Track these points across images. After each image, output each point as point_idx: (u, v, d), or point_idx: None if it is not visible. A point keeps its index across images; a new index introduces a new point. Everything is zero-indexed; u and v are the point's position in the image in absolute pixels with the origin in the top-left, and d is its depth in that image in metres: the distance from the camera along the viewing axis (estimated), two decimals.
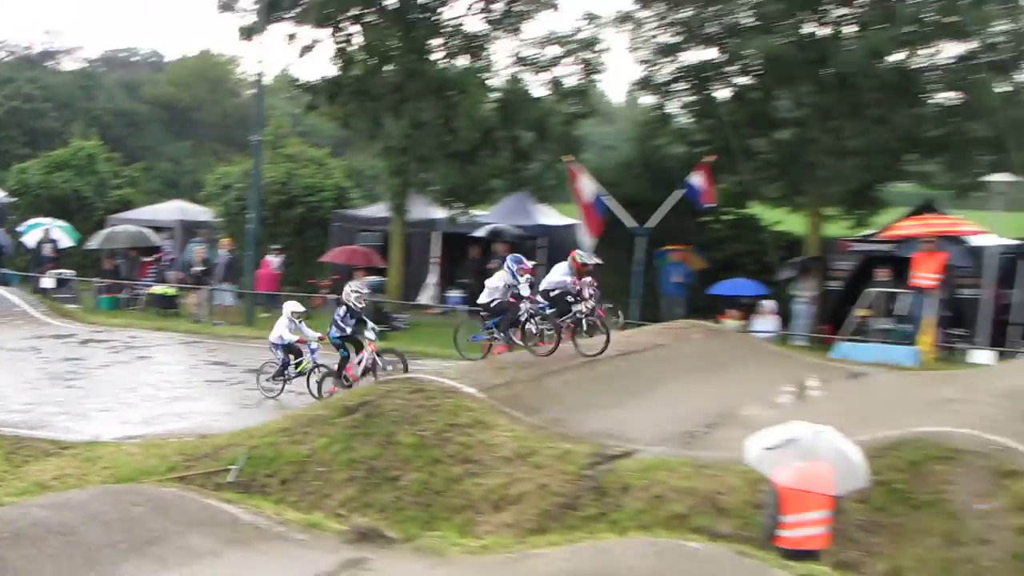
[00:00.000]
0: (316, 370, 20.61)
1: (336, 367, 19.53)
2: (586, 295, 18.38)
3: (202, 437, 16.95)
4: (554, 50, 34.60)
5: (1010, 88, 31.44)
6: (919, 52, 31.43)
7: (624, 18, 33.68)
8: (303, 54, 34.69)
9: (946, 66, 31.76)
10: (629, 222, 30.82)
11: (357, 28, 34.32)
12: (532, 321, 18.82)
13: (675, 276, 31.64)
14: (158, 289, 31.93)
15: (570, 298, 18.51)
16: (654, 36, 33.70)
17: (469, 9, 34.48)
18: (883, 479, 13.27)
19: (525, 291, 18.59)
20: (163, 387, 21.60)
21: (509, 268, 18.90)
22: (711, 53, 33.58)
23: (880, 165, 32.30)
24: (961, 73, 31.59)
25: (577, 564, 9.85)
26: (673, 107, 35.11)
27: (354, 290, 19.70)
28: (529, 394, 17.49)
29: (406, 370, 18.78)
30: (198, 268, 30.98)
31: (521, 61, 34.76)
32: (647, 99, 37.24)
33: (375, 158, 38.80)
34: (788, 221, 35.49)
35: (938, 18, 30.43)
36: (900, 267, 28.07)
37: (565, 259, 25.71)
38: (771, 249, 33.31)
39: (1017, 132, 30.60)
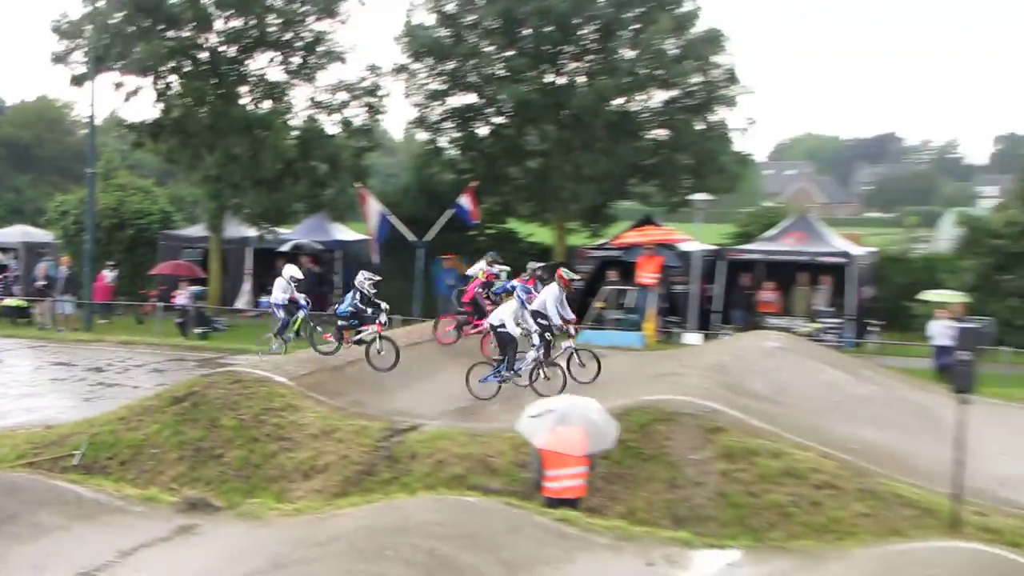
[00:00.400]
0: (307, 322, 21.40)
1: (335, 330, 19.58)
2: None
3: (48, 428, 17.30)
4: (343, 95, 36.68)
5: (704, 126, 35.25)
6: (636, 98, 35.18)
7: (400, 69, 36.12)
8: (128, 99, 35.63)
9: (656, 109, 35.46)
10: (410, 236, 32.66)
11: (175, 77, 35.55)
12: (540, 367, 18.11)
13: (448, 280, 32.67)
14: (11, 301, 33.13)
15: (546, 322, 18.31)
16: (425, 84, 36.35)
17: (271, 62, 36.22)
18: (619, 439, 14.36)
19: (518, 333, 18.20)
20: (12, 386, 21.78)
21: (519, 297, 18.93)
22: (472, 98, 36.35)
23: (610, 188, 35.74)
24: (668, 114, 35.39)
25: (374, 520, 10.32)
26: (443, 142, 37.71)
27: (367, 278, 19.68)
28: (332, 381, 18.60)
29: (398, 357, 18.99)
30: (41, 282, 32.11)
31: (316, 104, 36.63)
32: (422, 135, 39.31)
33: (194, 186, 39.58)
34: (539, 233, 38.41)
35: (649, 71, 34.04)
36: (627, 269, 30.85)
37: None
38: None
39: (711, 161, 34.87)
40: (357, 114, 37.32)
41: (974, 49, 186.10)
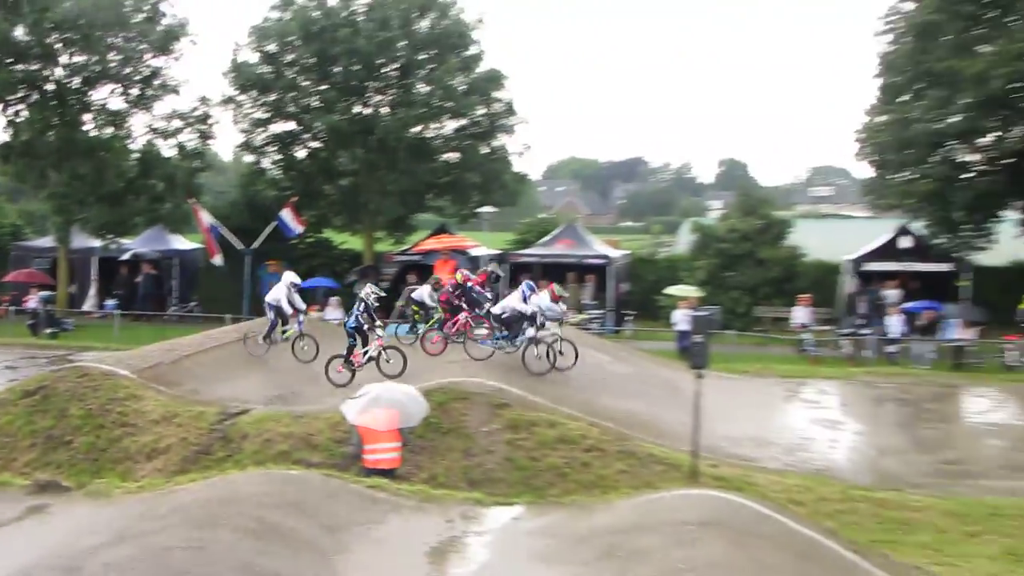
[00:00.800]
0: (300, 337, 20.82)
1: (345, 351, 19.03)
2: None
3: None
4: (178, 123, 37.69)
5: (488, 150, 37.55)
6: (431, 126, 37.23)
7: (228, 100, 37.55)
8: None
9: (449, 135, 37.62)
10: (239, 245, 33.63)
11: (23, 105, 36.07)
12: (535, 337, 19.29)
13: (272, 283, 31.66)
14: None
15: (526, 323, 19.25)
16: (250, 113, 37.66)
17: (112, 93, 36.87)
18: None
19: (528, 310, 19.14)
20: None
21: (523, 292, 19.69)
22: (291, 125, 37.86)
23: (410, 202, 37.57)
24: (458, 140, 37.60)
25: (209, 493, 10.26)
26: (266, 163, 39.19)
27: (373, 291, 19.39)
28: (171, 373, 18.93)
29: (405, 365, 18.66)
30: None
31: (154, 131, 37.49)
32: (248, 157, 40.12)
33: (43, 202, 39.27)
34: (351, 241, 39.96)
35: (441, 104, 36.07)
36: (426, 271, 31.30)
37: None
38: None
39: (495, 179, 37.10)
40: (190, 139, 38.10)
41: (703, 88, 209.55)
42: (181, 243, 39.59)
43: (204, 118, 37.84)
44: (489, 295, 20.69)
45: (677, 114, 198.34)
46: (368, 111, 37.25)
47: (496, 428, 16.00)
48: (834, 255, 36.24)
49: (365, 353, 18.78)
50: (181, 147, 37.94)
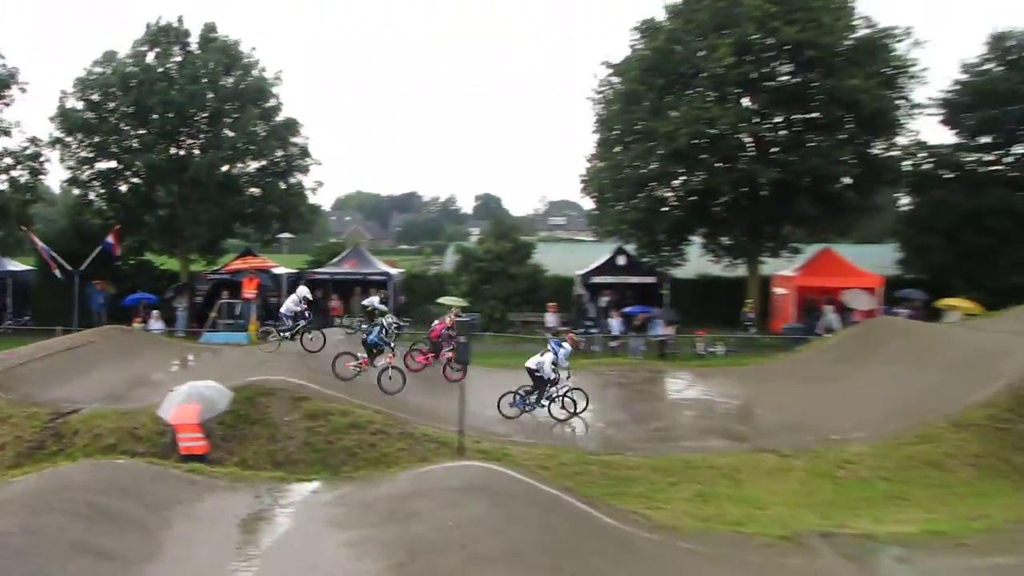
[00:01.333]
0: (307, 330, 21.72)
1: (354, 352, 20.19)
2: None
3: None
4: (9, 160, 38.56)
5: (287, 186, 39.58)
6: (237, 165, 38.85)
7: (56, 141, 38.29)
8: None
9: (252, 173, 39.45)
10: (67, 267, 34.50)
11: None
12: (558, 397, 20.29)
13: (99, 299, 35.49)
14: None
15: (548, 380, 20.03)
16: (77, 153, 38.32)
17: None
18: (234, 409, 15.72)
19: (553, 376, 20.08)
20: None
21: (553, 350, 20.60)
22: (114, 163, 38.49)
23: (220, 229, 38.92)
24: (261, 177, 39.48)
25: (43, 482, 10.07)
26: (92, 196, 39.67)
27: (394, 321, 20.85)
28: (6, 379, 18.85)
29: (404, 381, 19.72)
30: None
31: None
32: (75, 191, 40.61)
33: None
34: (169, 263, 40.81)
35: (245, 147, 38.20)
36: (235, 287, 34.13)
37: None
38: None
39: (292, 210, 38.96)
40: (22, 174, 38.66)
41: (468, 134, 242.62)
42: (14, 265, 39.65)
43: (35, 156, 38.27)
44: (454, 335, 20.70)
45: (445, 156, 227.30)
46: (182, 152, 38.18)
47: (297, 417, 16.39)
48: (568, 270, 39.64)
49: (380, 365, 19.81)
50: (13, 181, 38.30)
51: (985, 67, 37.70)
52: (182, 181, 37.90)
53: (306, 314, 21.85)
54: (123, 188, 39.36)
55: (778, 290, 36.66)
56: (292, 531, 9.25)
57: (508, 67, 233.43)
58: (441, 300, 34.39)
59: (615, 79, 37.18)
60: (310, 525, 9.39)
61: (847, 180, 35.93)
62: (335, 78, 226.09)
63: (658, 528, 10.65)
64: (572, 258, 42.95)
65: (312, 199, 41.59)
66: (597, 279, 37.33)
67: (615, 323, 33.03)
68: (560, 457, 16.57)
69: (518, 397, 20.22)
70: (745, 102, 35.22)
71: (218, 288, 36.01)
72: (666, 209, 37.12)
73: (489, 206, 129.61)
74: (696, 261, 38.64)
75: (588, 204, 45.48)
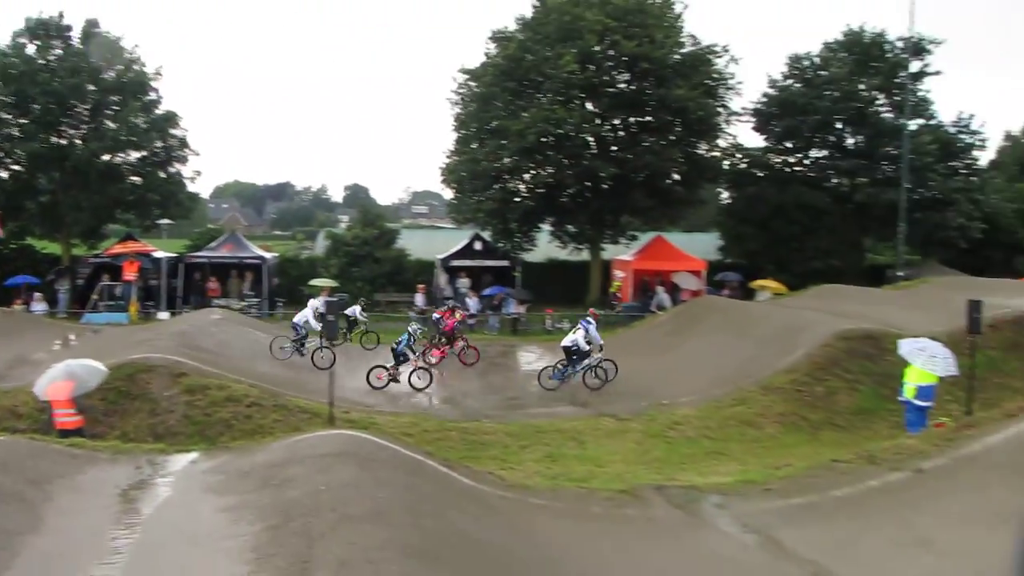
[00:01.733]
0: (320, 349, 22.16)
1: (386, 364, 21.07)
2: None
3: None
4: None
5: (166, 175, 39.15)
6: (118, 155, 38.60)
7: None
8: None
9: (133, 163, 38.97)
10: None
11: None
12: (591, 368, 20.90)
13: None
14: None
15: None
16: None
17: None
18: (114, 385, 15.81)
19: (587, 349, 20.85)
20: None
21: (584, 327, 21.35)
22: None
23: (102, 215, 38.13)
24: (142, 167, 39.05)
25: None
26: None
27: (417, 328, 21.91)
28: None
29: (431, 380, 20.93)
30: None
31: None
32: None
33: None
34: (52, 247, 39.83)
35: (126, 138, 37.72)
36: (116, 270, 34.00)
37: None
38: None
39: (172, 198, 38.85)
40: None
41: (339, 127, 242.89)
42: None
43: None
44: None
45: (318, 148, 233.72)
46: (64, 141, 37.24)
47: (176, 392, 16.47)
48: (430, 254, 40.79)
49: (401, 370, 20.90)
50: None
51: (787, 83, 41.13)
52: (63, 169, 36.84)
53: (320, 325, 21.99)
54: (3, 175, 38.15)
55: (618, 272, 38.63)
56: (172, 499, 9.10)
57: (376, 65, 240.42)
58: (313, 282, 35.74)
59: (472, 83, 38.42)
60: (189, 493, 9.26)
61: (676, 176, 38.82)
62: (215, 72, 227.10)
63: (511, 487, 11.01)
64: (433, 243, 44.26)
65: (191, 187, 40.95)
66: (456, 262, 38.40)
67: (472, 302, 34.15)
68: (423, 425, 16.98)
69: (556, 370, 21.05)
70: (588, 106, 37.31)
71: (99, 271, 35.49)
72: (518, 200, 38.79)
73: (358, 195, 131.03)
74: (545, 246, 40.22)
75: (448, 194, 46.73)
